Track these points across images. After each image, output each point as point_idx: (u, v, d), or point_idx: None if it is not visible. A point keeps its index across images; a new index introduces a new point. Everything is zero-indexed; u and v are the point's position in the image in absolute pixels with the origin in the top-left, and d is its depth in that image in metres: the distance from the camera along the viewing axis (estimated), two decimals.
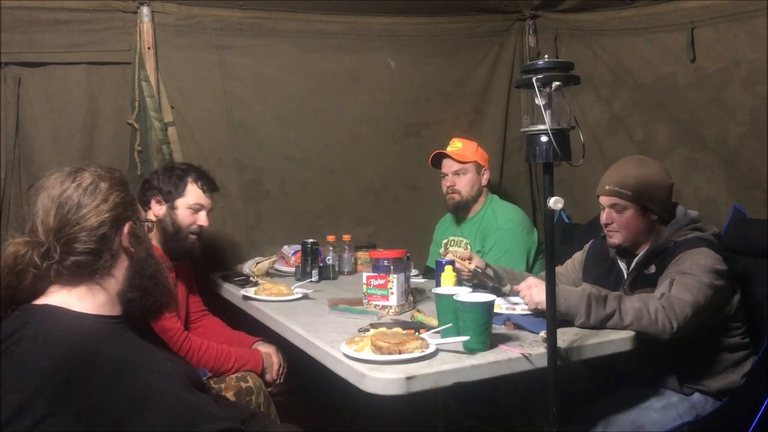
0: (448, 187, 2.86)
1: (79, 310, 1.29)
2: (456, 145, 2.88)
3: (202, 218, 2.40)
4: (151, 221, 1.50)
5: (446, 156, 2.86)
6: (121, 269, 1.37)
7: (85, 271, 1.31)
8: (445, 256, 2.29)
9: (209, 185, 2.42)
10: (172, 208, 2.34)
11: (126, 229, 1.36)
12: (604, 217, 2.13)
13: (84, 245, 1.30)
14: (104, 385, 1.18)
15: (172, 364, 1.39)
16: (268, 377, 2.26)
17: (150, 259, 1.41)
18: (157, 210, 2.35)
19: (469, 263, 2.21)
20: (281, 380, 2.32)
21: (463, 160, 2.84)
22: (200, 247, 2.46)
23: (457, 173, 2.84)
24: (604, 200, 2.13)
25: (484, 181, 2.87)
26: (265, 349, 2.33)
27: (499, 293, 2.15)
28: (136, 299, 1.37)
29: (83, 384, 1.16)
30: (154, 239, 2.33)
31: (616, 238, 2.12)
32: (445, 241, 2.96)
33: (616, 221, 2.10)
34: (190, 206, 2.36)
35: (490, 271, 2.23)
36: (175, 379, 1.32)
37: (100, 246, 1.32)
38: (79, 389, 1.15)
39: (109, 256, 1.33)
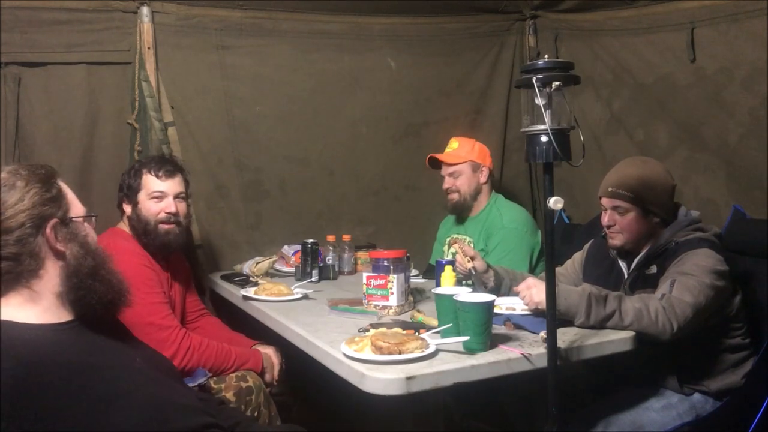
0: (446, 189, 2.88)
1: (22, 321, 1.24)
2: (452, 146, 2.89)
3: (168, 205, 2.30)
4: (92, 215, 1.41)
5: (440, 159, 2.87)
6: (53, 270, 1.29)
7: (8, 277, 1.24)
8: (453, 244, 2.28)
9: (165, 169, 2.32)
10: (135, 204, 2.30)
11: (48, 228, 1.28)
12: (606, 219, 2.12)
13: (1, 250, 1.23)
14: (58, 393, 1.14)
15: (143, 360, 1.36)
16: (267, 377, 2.25)
17: (87, 256, 1.32)
18: (127, 210, 2.32)
19: (470, 262, 2.20)
20: (278, 380, 2.30)
21: (454, 161, 2.84)
22: (182, 236, 2.36)
23: (452, 175, 2.85)
24: (606, 202, 2.12)
25: (482, 179, 2.87)
26: (265, 349, 2.32)
27: (498, 293, 2.15)
28: (79, 299, 1.30)
29: (33, 395, 1.12)
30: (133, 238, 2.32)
31: (617, 240, 2.12)
32: (449, 239, 2.96)
33: (618, 223, 2.09)
34: (151, 196, 2.29)
35: (489, 277, 2.23)
36: (145, 375, 1.29)
37: (19, 249, 1.24)
38: (30, 401, 1.11)
39: (31, 260, 1.25)
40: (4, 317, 1.23)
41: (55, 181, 1.34)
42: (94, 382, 1.19)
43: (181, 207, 2.34)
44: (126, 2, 2.71)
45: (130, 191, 2.31)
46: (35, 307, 1.26)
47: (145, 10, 2.74)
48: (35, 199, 1.27)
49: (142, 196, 2.30)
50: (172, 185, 2.32)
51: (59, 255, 1.29)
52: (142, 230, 2.28)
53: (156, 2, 2.77)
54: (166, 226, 2.29)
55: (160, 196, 2.30)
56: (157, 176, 2.30)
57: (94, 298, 1.31)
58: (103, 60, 2.70)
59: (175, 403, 1.28)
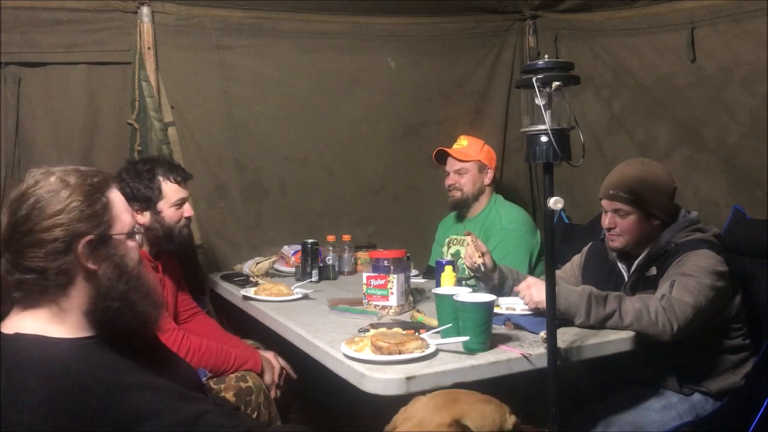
0: (449, 185, 2.87)
1: (52, 335, 1.19)
2: (461, 143, 2.89)
3: (187, 210, 2.37)
4: (136, 231, 1.33)
5: (448, 154, 2.87)
6: (83, 288, 1.23)
7: (33, 289, 1.19)
8: (467, 236, 2.27)
9: (182, 176, 2.36)
10: (156, 213, 2.30)
11: (81, 246, 1.21)
12: (606, 222, 2.11)
13: (29, 262, 1.18)
14: (94, 410, 1.12)
15: (170, 375, 1.32)
16: (267, 378, 2.25)
17: (121, 279, 1.25)
18: (140, 219, 2.28)
19: (481, 257, 2.19)
20: (281, 383, 2.30)
21: (464, 159, 2.83)
22: (190, 232, 2.50)
23: (458, 172, 2.84)
24: (606, 204, 2.11)
25: (487, 181, 2.87)
26: (265, 353, 2.32)
27: (500, 293, 2.15)
28: (105, 321, 1.24)
29: (75, 411, 1.10)
30: (144, 244, 2.31)
31: (618, 242, 2.11)
32: (447, 239, 2.96)
33: (618, 225, 2.08)
34: (173, 204, 2.32)
35: (495, 276, 2.22)
36: (169, 392, 1.25)
37: (47, 264, 1.18)
38: (72, 416, 1.10)
39: (59, 276, 1.19)
40: (32, 331, 1.19)
41: (102, 195, 1.26)
42: (123, 400, 1.15)
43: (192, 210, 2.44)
44: (126, 2, 2.71)
45: (148, 201, 2.29)
46: (65, 321, 1.22)
47: (145, 10, 2.74)
48: (74, 214, 1.21)
49: (163, 205, 2.31)
50: (188, 189, 2.40)
51: (90, 274, 1.23)
52: (164, 237, 2.31)
53: (156, 2, 2.77)
54: (185, 229, 2.38)
55: (181, 204, 2.35)
56: (177, 183, 2.34)
57: (119, 324, 1.25)
58: (103, 60, 2.70)
59: (203, 420, 1.25)
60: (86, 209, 1.22)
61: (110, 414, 1.13)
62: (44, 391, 1.10)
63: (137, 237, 1.34)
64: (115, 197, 1.30)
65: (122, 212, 1.30)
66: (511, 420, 1.07)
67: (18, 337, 1.18)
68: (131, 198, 2.26)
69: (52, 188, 1.22)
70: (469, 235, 2.25)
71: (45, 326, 1.20)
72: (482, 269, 2.18)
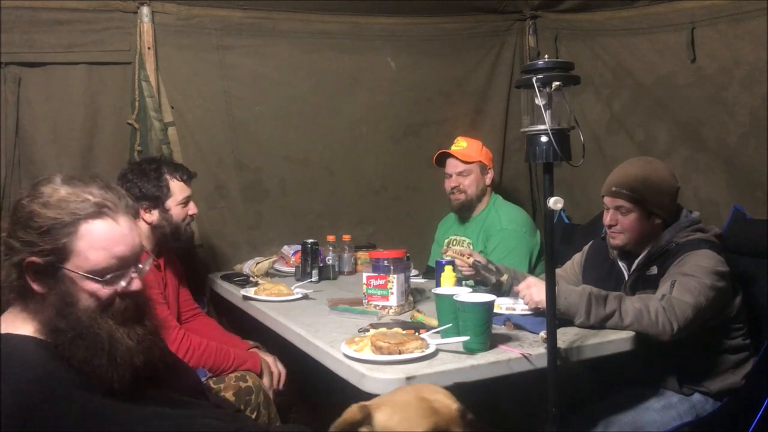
0: (452, 188, 2.86)
1: (40, 336, 1.16)
2: (461, 144, 2.88)
3: (192, 207, 2.42)
4: (99, 278, 1.18)
5: (450, 156, 2.86)
6: (33, 305, 1.17)
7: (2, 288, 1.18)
8: (445, 254, 2.29)
9: (187, 174, 2.41)
10: (164, 211, 2.32)
11: (25, 264, 1.15)
12: (608, 219, 2.11)
13: None
14: (60, 411, 1.09)
15: (166, 378, 1.29)
16: (266, 381, 2.24)
17: (59, 315, 1.15)
18: (148, 218, 2.30)
19: (470, 258, 2.20)
20: (279, 387, 2.29)
21: (467, 160, 2.83)
22: (193, 229, 2.58)
23: (461, 174, 2.83)
24: (608, 201, 2.11)
25: (488, 181, 2.87)
26: (265, 356, 2.32)
27: (499, 292, 2.15)
28: (54, 347, 1.15)
29: (44, 421, 1.08)
30: (149, 242, 2.32)
31: (619, 240, 2.11)
32: (447, 240, 2.95)
33: (620, 223, 2.09)
34: (180, 202, 2.36)
35: (492, 266, 2.22)
36: (165, 395, 1.23)
37: (3, 268, 1.16)
38: (44, 422, 1.08)
39: (7, 280, 1.16)
40: (20, 331, 1.17)
41: (69, 223, 1.16)
42: (99, 404, 1.13)
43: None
44: (126, 2, 2.71)
45: (157, 200, 2.31)
46: (31, 324, 1.18)
47: (145, 10, 2.74)
48: (27, 231, 1.15)
49: (171, 203, 2.34)
50: (191, 189, 2.43)
51: (38, 295, 1.17)
52: (171, 235, 2.34)
53: (156, 2, 2.77)
54: (189, 227, 2.44)
55: (187, 201, 2.39)
56: (183, 181, 2.38)
57: (62, 355, 1.15)
58: (103, 60, 2.70)
59: (201, 422, 1.24)
60: (39, 230, 1.15)
61: (89, 417, 1.11)
62: (19, 394, 1.08)
63: (119, 282, 1.21)
64: (92, 231, 1.17)
65: (92, 249, 1.17)
66: None
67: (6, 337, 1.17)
68: (140, 197, 2.27)
69: (34, 197, 1.17)
70: (446, 251, 2.29)
71: (22, 326, 1.18)
72: (479, 265, 2.19)
